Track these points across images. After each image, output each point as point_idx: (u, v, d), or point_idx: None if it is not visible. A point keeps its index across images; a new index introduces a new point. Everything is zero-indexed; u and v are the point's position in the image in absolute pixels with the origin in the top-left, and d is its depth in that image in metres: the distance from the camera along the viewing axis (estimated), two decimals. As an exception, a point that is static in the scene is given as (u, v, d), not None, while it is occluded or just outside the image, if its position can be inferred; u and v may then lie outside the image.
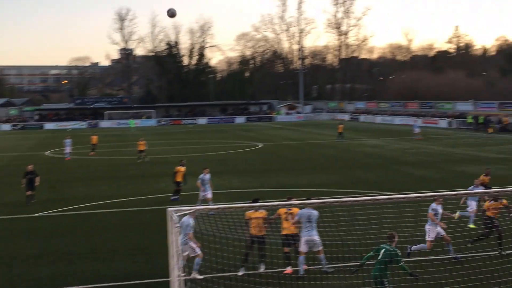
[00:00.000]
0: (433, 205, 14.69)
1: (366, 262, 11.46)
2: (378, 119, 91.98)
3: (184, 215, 13.07)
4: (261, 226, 14.02)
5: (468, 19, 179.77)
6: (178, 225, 9.98)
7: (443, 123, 76.03)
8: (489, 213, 15.51)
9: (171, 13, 16.73)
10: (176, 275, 9.67)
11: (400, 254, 10.97)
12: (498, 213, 15.59)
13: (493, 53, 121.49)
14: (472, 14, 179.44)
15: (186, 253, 13.57)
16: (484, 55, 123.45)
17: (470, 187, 18.36)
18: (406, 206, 12.72)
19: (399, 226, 13.18)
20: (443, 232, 14.58)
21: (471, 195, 16.99)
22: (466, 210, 18.29)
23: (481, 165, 34.86)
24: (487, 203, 15.85)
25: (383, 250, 11.20)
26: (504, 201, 15.58)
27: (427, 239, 14.55)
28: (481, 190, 17.12)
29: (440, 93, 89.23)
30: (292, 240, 13.83)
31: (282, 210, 14.13)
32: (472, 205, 18.43)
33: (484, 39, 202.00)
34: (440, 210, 14.67)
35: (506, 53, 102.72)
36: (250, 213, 14.15)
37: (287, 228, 14.01)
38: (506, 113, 68.96)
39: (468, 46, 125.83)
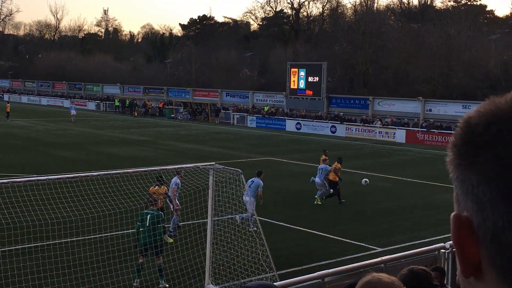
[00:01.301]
0: (178, 181, 16.10)
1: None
2: (24, 99, 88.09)
3: None
4: None
5: (116, 3, 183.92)
6: None
7: (91, 105, 76.62)
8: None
9: None
10: None
11: (163, 216, 11.52)
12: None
13: (140, 40, 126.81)
14: None
15: None
16: (132, 41, 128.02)
17: (322, 165, 21.82)
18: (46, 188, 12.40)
19: (39, 208, 12.78)
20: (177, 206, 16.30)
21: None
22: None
23: (127, 147, 36.23)
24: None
25: (149, 216, 11.33)
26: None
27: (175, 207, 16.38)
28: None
29: (89, 75, 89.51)
30: None
31: None
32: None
33: (131, 26, 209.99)
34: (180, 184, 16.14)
35: (151, 40, 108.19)
36: None
37: None
38: (150, 97, 73.00)
39: (116, 31, 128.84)
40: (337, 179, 21.55)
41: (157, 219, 11.90)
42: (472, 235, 0.87)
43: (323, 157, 23.90)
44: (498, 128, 0.85)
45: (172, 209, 16.68)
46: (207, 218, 12.83)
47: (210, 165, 12.70)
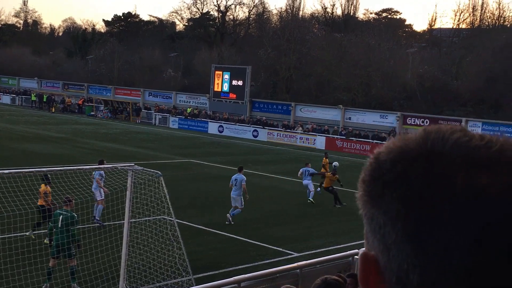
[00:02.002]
0: (101, 172, 16.71)
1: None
2: None
3: None
4: None
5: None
6: None
7: (6, 98, 73.80)
8: (40, 202, 15.15)
9: None
10: None
11: (77, 217, 11.13)
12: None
13: (60, 34, 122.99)
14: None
15: None
16: (52, 34, 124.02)
17: (303, 168, 24.00)
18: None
19: None
20: (103, 197, 16.82)
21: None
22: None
23: (43, 144, 34.96)
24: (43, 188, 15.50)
25: (61, 217, 10.88)
26: None
27: (98, 199, 16.95)
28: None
29: (5, 67, 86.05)
30: None
31: None
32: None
33: (52, 18, 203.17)
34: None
35: (73, 35, 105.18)
36: None
37: None
38: (69, 93, 70.98)
39: (36, 23, 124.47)
40: (330, 185, 23.60)
41: (71, 220, 11.53)
42: (378, 275, 0.85)
43: (324, 160, 27.89)
44: (403, 167, 0.82)
45: (98, 199, 17.06)
46: (123, 220, 12.55)
47: (129, 165, 12.45)
